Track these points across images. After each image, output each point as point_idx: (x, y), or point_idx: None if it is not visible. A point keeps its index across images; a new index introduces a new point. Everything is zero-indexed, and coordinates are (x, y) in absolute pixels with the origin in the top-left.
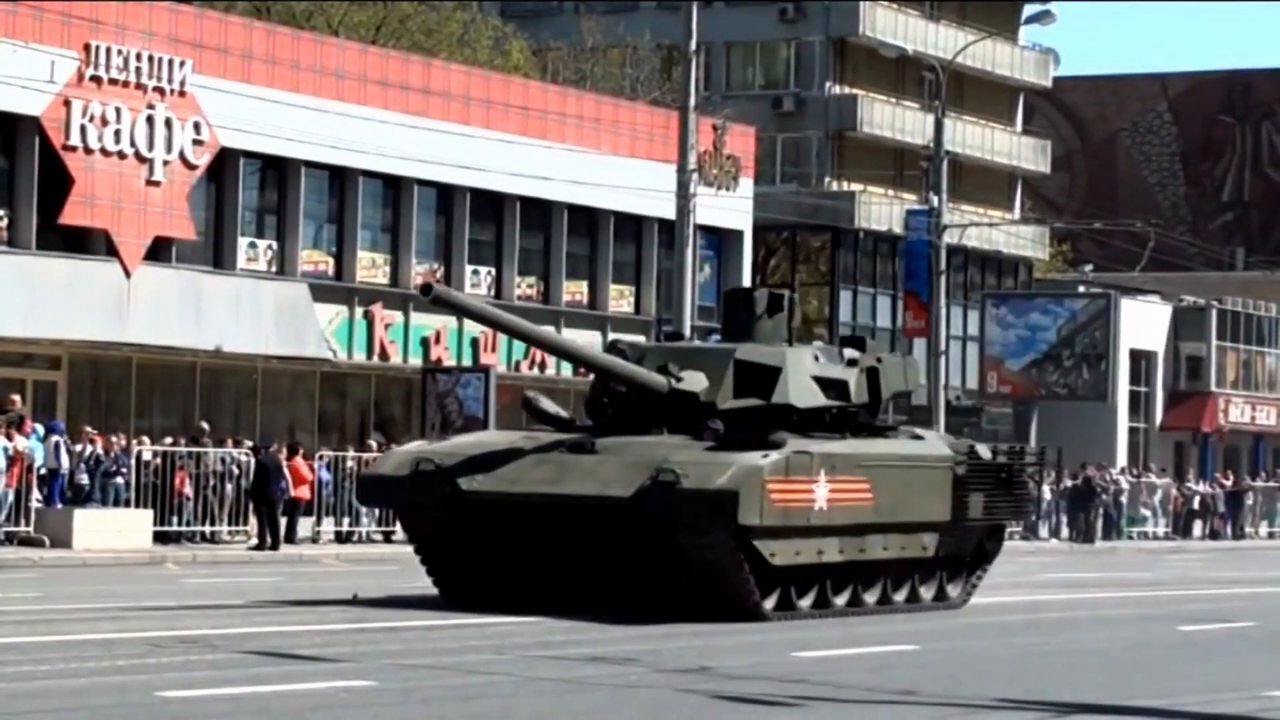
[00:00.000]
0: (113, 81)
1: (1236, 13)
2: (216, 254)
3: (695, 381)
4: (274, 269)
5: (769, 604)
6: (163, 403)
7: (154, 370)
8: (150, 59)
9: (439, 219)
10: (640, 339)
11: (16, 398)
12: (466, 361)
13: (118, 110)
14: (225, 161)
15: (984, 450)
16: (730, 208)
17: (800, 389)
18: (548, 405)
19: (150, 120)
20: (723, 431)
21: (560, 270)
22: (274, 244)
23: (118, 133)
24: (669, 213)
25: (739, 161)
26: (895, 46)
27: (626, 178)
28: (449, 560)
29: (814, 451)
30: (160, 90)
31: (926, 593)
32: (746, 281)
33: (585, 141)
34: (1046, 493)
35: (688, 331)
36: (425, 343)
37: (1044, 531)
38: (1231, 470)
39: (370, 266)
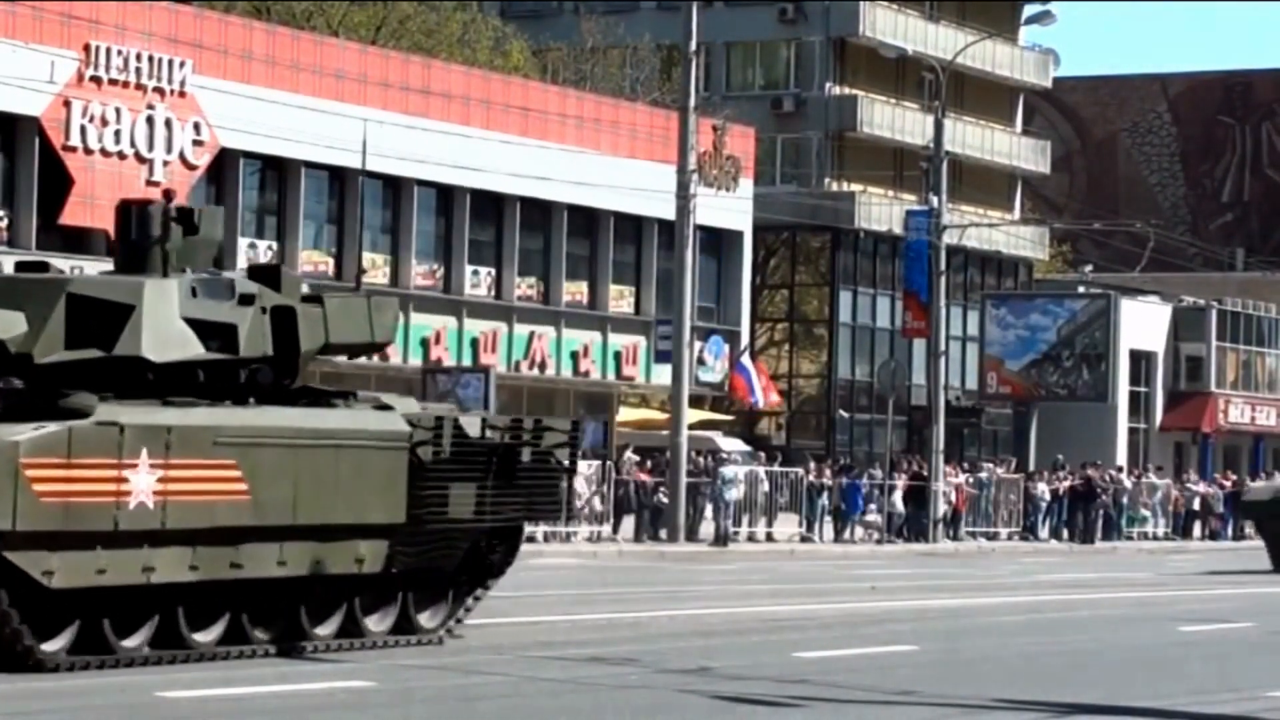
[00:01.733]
0: (113, 82)
1: (1236, 13)
2: (217, 254)
3: (9, 324)
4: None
5: (57, 644)
6: None
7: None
8: (150, 59)
9: (439, 219)
10: None
11: None
12: (466, 362)
13: (118, 110)
14: (225, 162)
15: (471, 424)
16: (730, 208)
17: (160, 336)
18: None
19: (150, 120)
20: (19, 390)
21: (560, 271)
22: (274, 244)
23: (118, 133)
24: (669, 213)
25: (739, 162)
26: (895, 47)
27: (626, 178)
28: None
29: (127, 422)
30: (160, 91)
31: (377, 623)
32: (747, 284)
33: (585, 142)
34: (1046, 493)
35: (688, 333)
36: (425, 343)
37: (1044, 532)
38: (1231, 471)
39: (371, 267)
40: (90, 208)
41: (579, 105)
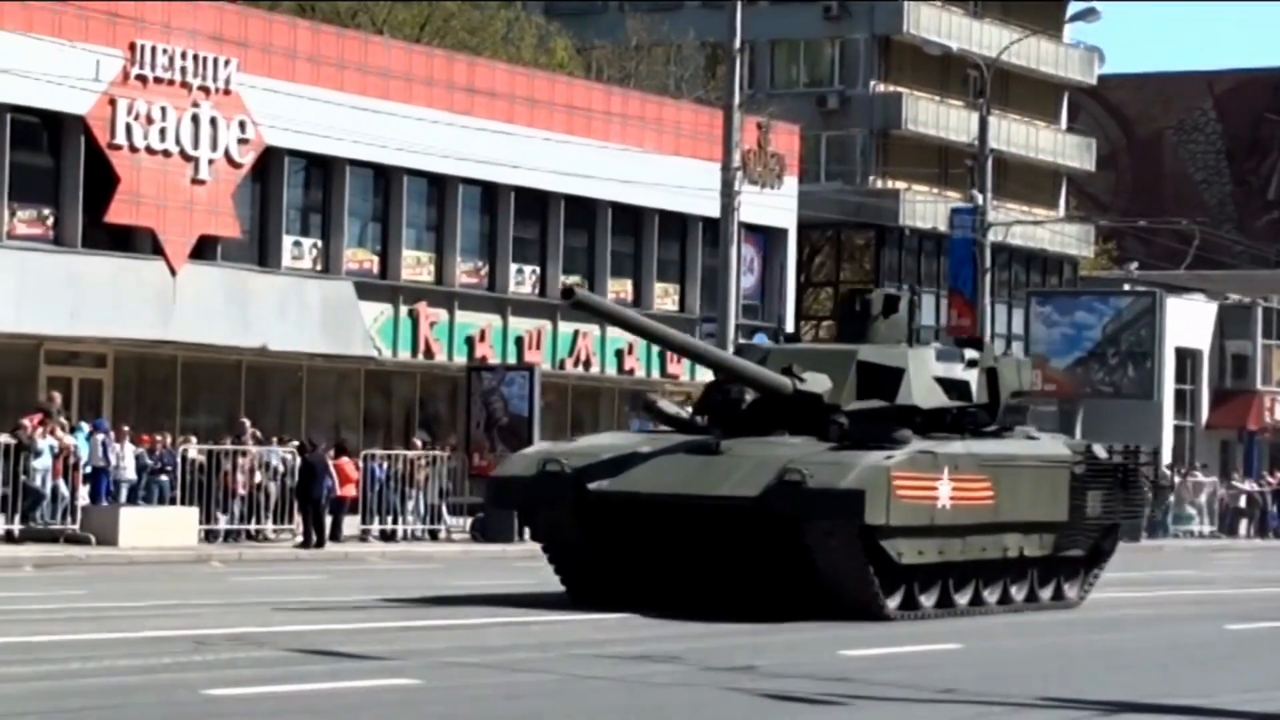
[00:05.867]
0: (158, 80)
1: None
2: (262, 252)
3: (819, 383)
4: (319, 267)
5: (893, 603)
6: (208, 401)
7: (199, 369)
8: (195, 57)
9: (484, 217)
10: (763, 342)
11: (57, 395)
12: (511, 360)
13: (163, 109)
14: (270, 160)
15: (1100, 450)
16: (775, 206)
17: (923, 390)
18: (668, 407)
19: (195, 119)
20: (847, 427)
21: (605, 268)
22: (319, 242)
23: (163, 131)
24: (713, 211)
25: (783, 159)
26: (939, 44)
27: (671, 176)
28: (577, 560)
29: (937, 451)
30: (205, 89)
31: (1044, 592)
32: (792, 282)
33: (629, 140)
34: None
35: (731, 331)
36: (470, 341)
37: None
38: (1277, 468)
39: (415, 265)
40: (136, 206)
41: (623, 103)
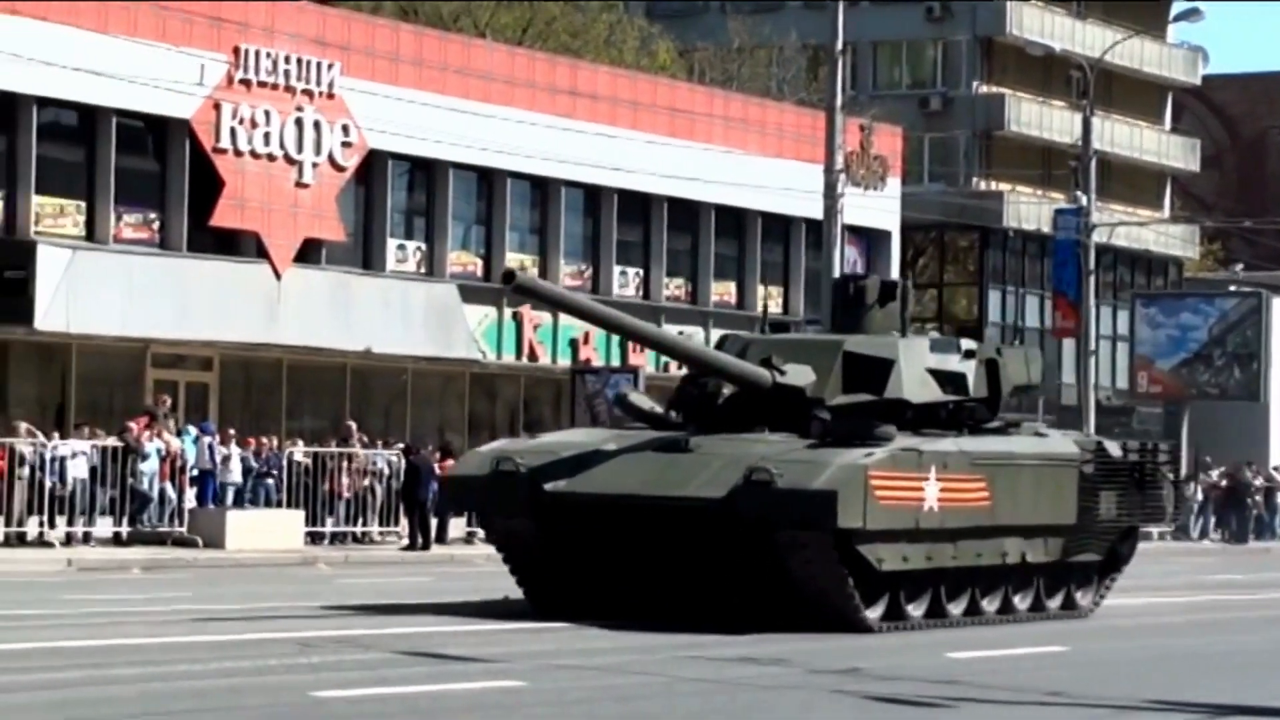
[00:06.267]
0: (261, 84)
1: None
2: (366, 255)
3: (800, 375)
4: (423, 270)
5: (875, 613)
6: (313, 404)
7: (304, 372)
8: (299, 61)
9: (587, 220)
10: (744, 332)
11: (167, 398)
12: (615, 362)
13: (267, 113)
14: (374, 163)
15: (1113, 448)
16: (878, 208)
17: (914, 383)
18: (642, 402)
19: (299, 123)
20: (830, 423)
21: (708, 271)
22: (423, 245)
23: (267, 135)
24: (816, 213)
25: (886, 161)
26: (1042, 45)
27: (774, 178)
28: (534, 566)
29: (923, 449)
30: (309, 93)
31: (1053, 601)
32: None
33: (732, 142)
34: (1198, 493)
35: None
36: (574, 344)
37: (1195, 532)
38: None
39: (519, 267)
40: (240, 210)
41: (726, 105)
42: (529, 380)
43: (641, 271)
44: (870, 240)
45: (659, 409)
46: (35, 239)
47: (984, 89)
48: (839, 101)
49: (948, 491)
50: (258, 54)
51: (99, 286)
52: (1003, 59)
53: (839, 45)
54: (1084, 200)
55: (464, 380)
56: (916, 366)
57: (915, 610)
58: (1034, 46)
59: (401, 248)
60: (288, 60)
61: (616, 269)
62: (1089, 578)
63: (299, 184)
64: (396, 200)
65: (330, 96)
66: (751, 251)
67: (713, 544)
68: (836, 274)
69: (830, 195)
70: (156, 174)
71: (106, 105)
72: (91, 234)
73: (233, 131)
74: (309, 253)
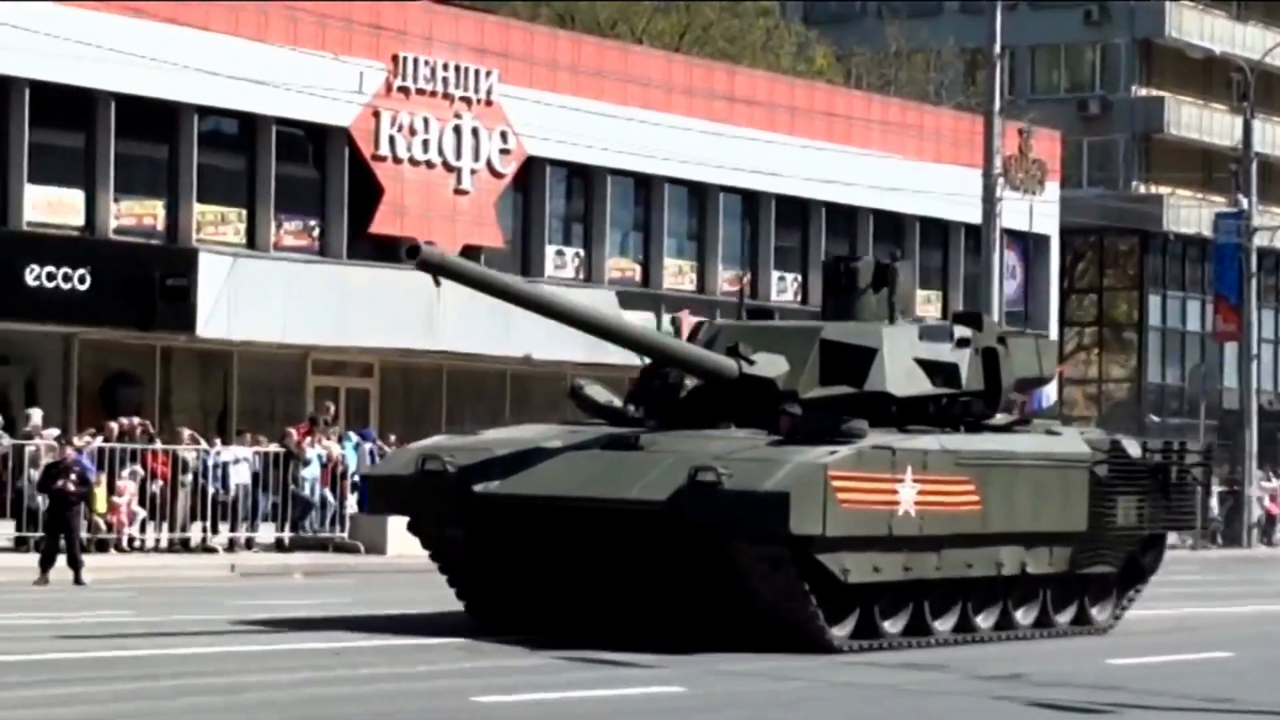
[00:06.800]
0: (420, 91)
1: None
2: (524, 262)
3: (772, 366)
4: (581, 276)
5: (843, 630)
6: (473, 410)
7: (464, 378)
8: (457, 69)
9: (744, 225)
10: (728, 320)
11: (330, 405)
12: None
13: (425, 120)
14: (532, 170)
15: (1132, 447)
16: (1037, 212)
17: (899, 374)
18: (599, 394)
19: (457, 130)
20: (800, 418)
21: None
22: (581, 251)
23: (426, 142)
24: (975, 217)
25: (1045, 165)
26: (1202, 47)
27: (932, 182)
28: (469, 574)
29: (897, 446)
30: (467, 100)
31: (1062, 615)
32: (1054, 286)
33: (890, 147)
34: None
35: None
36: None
37: None
38: None
39: (677, 273)
40: (400, 217)
41: (883, 110)
42: None
43: (799, 277)
44: (1029, 245)
45: (617, 402)
46: (197, 247)
47: (1143, 92)
48: (997, 105)
49: (928, 495)
50: (416, 61)
51: (260, 294)
52: (1161, 61)
53: (997, 49)
54: (1245, 203)
55: (624, 386)
56: (903, 356)
57: (892, 627)
58: (1193, 49)
59: (560, 254)
60: (446, 68)
61: (774, 274)
62: (1106, 590)
63: (458, 191)
64: (555, 207)
65: (488, 103)
66: (910, 257)
67: (658, 552)
68: (996, 281)
69: (989, 200)
70: (316, 182)
71: (267, 113)
72: (252, 242)
73: (391, 139)
74: (467, 259)
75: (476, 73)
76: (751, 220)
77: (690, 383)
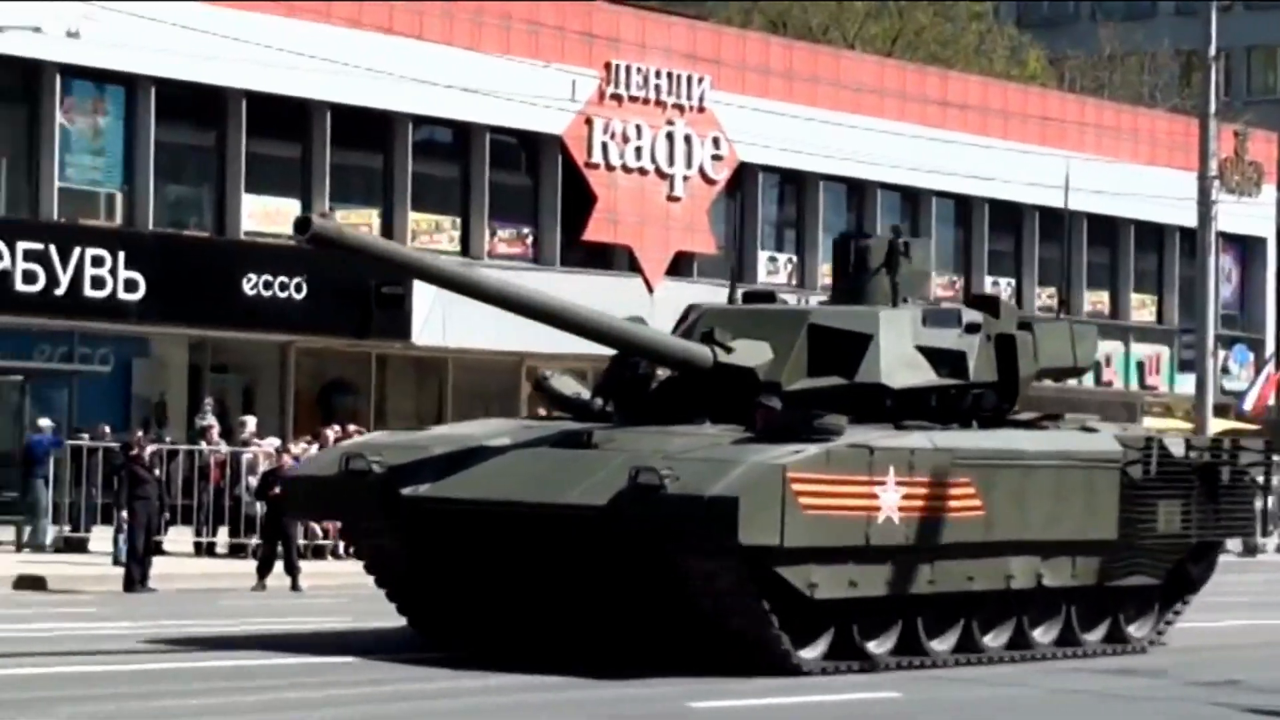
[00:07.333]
0: (633, 99)
1: None
2: (739, 268)
3: (752, 354)
4: (794, 282)
5: (813, 651)
6: None
7: None
8: (669, 76)
9: (957, 230)
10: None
11: (543, 411)
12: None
13: (638, 127)
14: (744, 176)
15: (1175, 445)
16: (1253, 215)
17: (896, 363)
18: (564, 386)
19: (670, 136)
20: (777, 412)
21: (1080, 280)
22: (793, 257)
23: (638, 149)
24: (1190, 220)
25: (1261, 167)
26: None
27: (1146, 186)
28: (403, 584)
29: (877, 445)
30: (679, 107)
31: (1091, 632)
32: (1271, 289)
33: (1104, 150)
34: None
35: (1211, 341)
36: None
37: None
38: None
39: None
40: (613, 225)
41: (1097, 113)
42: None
43: (1013, 281)
44: (1245, 247)
45: (586, 394)
46: None
47: None
48: (1212, 108)
49: (915, 499)
50: (629, 69)
51: (474, 301)
52: None
53: (1212, 50)
54: None
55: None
56: (902, 343)
57: (877, 647)
58: None
59: (773, 260)
60: (659, 74)
61: (988, 279)
62: (1147, 604)
63: (670, 198)
64: (767, 212)
65: (701, 110)
66: (1124, 260)
67: (602, 562)
68: (1211, 284)
69: (1204, 202)
70: (529, 189)
71: (480, 122)
72: (466, 249)
73: (604, 146)
74: (680, 266)
75: (689, 79)
76: (964, 225)
77: (663, 373)
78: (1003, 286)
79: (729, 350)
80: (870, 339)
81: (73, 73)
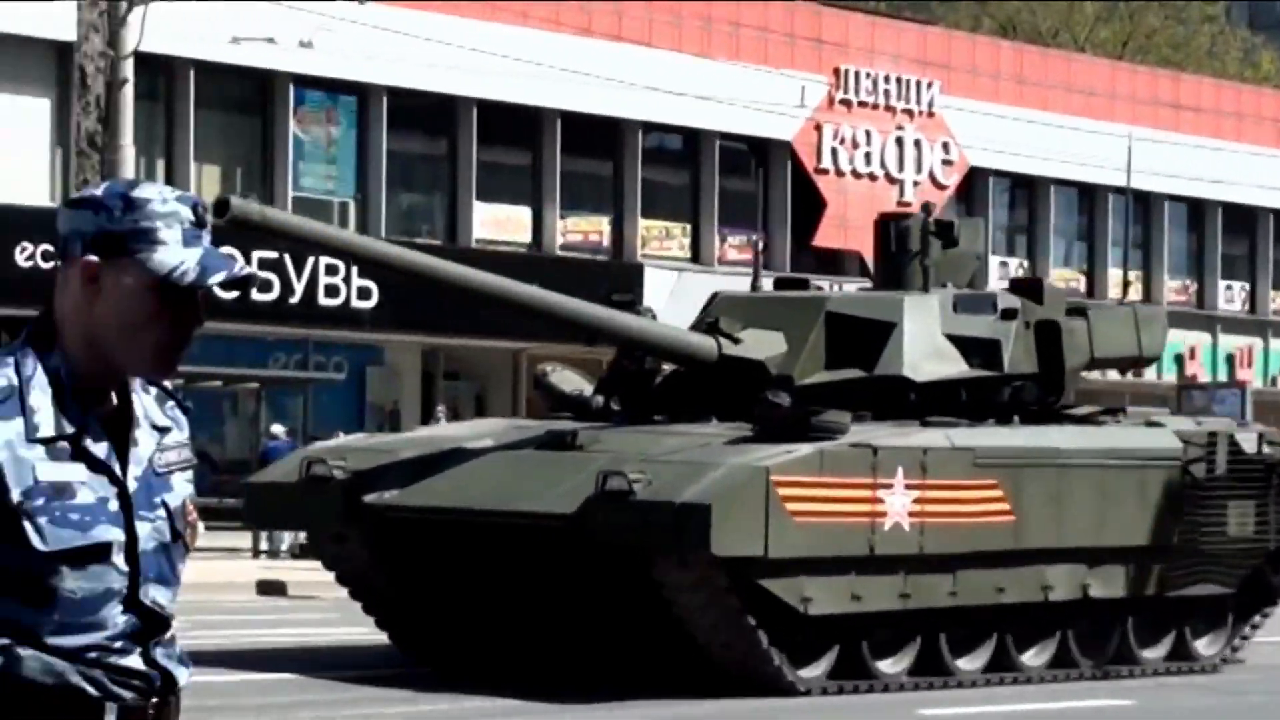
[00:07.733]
0: (862, 104)
1: None
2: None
3: (763, 345)
4: None
5: (813, 670)
6: None
7: None
8: (899, 81)
9: (1190, 234)
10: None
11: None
12: (1221, 377)
13: (867, 133)
14: (975, 181)
15: (1247, 440)
16: None
17: (922, 354)
18: (564, 383)
19: (899, 142)
20: (785, 409)
21: None
22: (1025, 262)
23: (868, 155)
24: None
25: None
26: None
27: None
28: (376, 596)
29: (881, 444)
30: (909, 112)
31: (1151, 649)
32: None
33: None
34: None
35: None
36: (1179, 359)
37: None
38: None
39: (1121, 283)
40: (843, 230)
41: None
42: (1134, 396)
43: (1247, 285)
44: None
45: (587, 392)
46: (642, 262)
47: None
48: None
49: (929, 503)
50: (858, 74)
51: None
52: None
53: None
54: None
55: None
56: (927, 332)
57: (891, 666)
58: None
59: (1004, 264)
60: (888, 80)
61: (1221, 283)
62: (1219, 617)
63: (900, 203)
64: (998, 217)
65: (930, 115)
66: None
67: (576, 574)
68: None
69: None
70: (759, 195)
71: (710, 128)
72: (696, 255)
73: (834, 152)
74: None
75: (918, 84)
76: (1197, 229)
77: (668, 368)
78: (1236, 290)
79: (736, 341)
80: (893, 327)
81: (306, 83)
